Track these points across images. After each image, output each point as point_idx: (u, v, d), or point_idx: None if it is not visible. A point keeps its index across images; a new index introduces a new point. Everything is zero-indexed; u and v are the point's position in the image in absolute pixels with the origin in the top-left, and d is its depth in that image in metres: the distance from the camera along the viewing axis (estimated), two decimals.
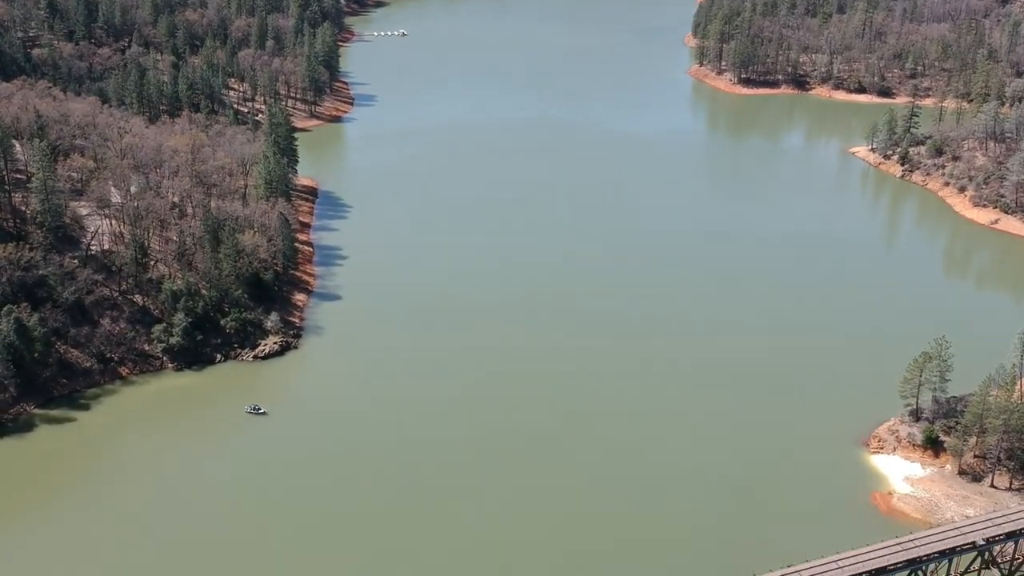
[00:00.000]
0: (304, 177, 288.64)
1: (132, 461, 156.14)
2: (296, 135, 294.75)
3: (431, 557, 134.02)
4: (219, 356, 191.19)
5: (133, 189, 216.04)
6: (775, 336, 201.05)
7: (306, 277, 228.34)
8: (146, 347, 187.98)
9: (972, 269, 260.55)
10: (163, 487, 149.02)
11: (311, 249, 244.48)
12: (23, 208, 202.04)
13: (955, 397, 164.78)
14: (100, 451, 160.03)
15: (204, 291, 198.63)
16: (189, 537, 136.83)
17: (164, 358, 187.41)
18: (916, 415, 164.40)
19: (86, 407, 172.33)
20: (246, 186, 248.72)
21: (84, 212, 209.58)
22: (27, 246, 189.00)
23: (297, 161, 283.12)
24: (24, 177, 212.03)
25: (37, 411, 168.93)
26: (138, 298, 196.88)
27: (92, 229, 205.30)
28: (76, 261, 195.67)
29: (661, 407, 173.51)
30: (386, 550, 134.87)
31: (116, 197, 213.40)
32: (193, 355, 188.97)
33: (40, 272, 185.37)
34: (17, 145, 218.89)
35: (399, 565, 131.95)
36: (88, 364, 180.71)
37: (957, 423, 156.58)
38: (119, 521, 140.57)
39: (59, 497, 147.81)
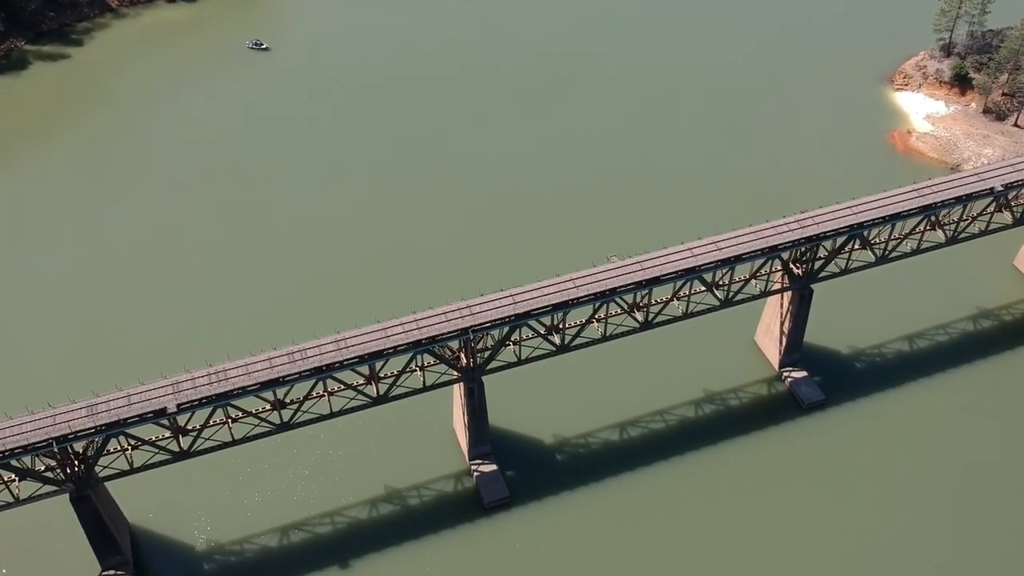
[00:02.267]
0: None
1: (134, 97, 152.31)
2: None
3: (431, 193, 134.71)
4: None
5: None
6: None
7: None
8: None
9: None
10: (168, 122, 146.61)
11: None
12: None
13: (992, 31, 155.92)
14: (99, 87, 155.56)
15: None
16: (196, 174, 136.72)
17: None
18: (947, 50, 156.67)
19: (79, 42, 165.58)
20: None
21: None
22: None
23: None
24: None
25: (28, 47, 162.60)
26: None
27: None
28: None
29: (671, 43, 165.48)
30: (389, 183, 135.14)
31: None
32: None
33: None
34: None
35: (400, 200, 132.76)
36: None
37: (990, 59, 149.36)
38: (124, 158, 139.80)
39: (62, 133, 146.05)
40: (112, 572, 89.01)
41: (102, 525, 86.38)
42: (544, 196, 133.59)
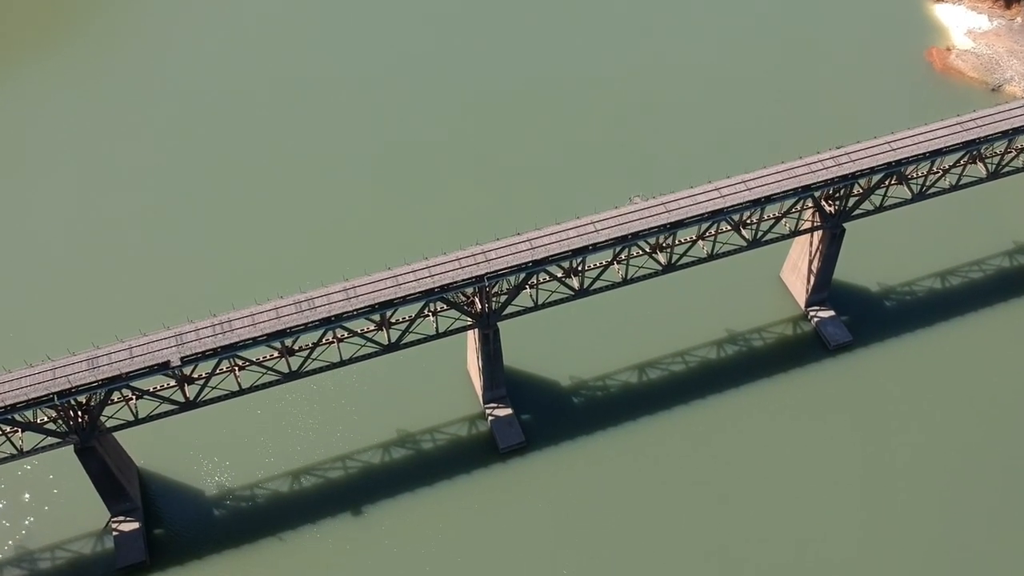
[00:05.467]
0: None
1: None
2: None
3: (443, 132, 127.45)
4: None
5: None
6: None
7: None
8: None
9: None
10: (175, 42, 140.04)
11: None
12: None
13: None
14: None
15: None
16: (200, 106, 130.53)
17: None
18: None
19: None
20: None
21: None
22: None
23: None
24: None
25: None
26: None
27: None
28: None
29: None
30: (401, 120, 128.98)
31: None
32: None
33: None
34: None
35: (411, 138, 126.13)
36: None
37: None
38: (122, 85, 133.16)
39: (58, 47, 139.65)
40: (121, 518, 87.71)
41: (109, 474, 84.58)
42: (564, 132, 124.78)
